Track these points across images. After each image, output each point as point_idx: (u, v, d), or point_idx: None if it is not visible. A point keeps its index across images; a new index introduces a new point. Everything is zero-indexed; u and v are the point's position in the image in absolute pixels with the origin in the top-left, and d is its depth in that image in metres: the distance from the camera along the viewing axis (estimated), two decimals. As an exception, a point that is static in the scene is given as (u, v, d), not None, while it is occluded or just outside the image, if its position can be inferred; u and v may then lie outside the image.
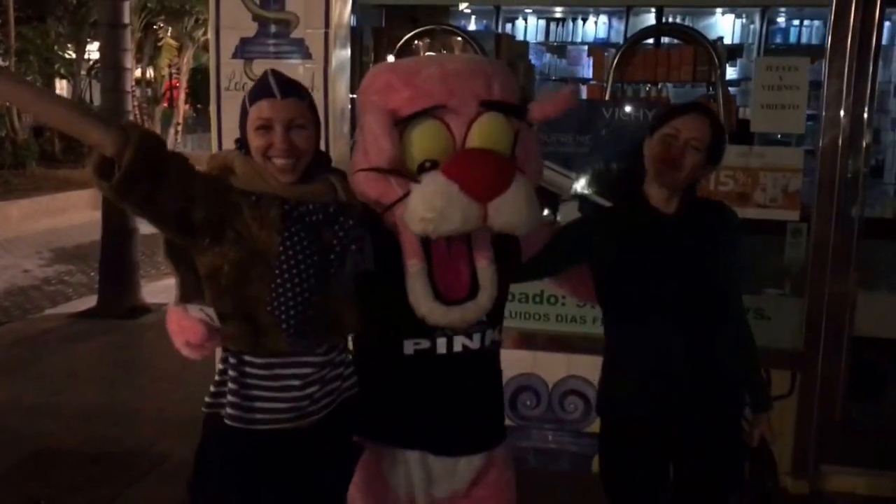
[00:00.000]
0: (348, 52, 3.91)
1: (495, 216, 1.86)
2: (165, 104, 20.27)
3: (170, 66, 19.18)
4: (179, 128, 19.35)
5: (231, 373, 1.94)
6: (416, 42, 4.56)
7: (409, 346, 2.06)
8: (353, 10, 3.90)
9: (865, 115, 3.51)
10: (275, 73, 1.95)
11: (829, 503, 3.82)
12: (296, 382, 1.95)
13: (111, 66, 6.93)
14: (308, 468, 2.00)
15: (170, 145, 18.68)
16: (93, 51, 21.75)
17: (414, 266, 1.94)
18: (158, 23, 17.05)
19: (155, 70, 18.62)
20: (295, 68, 3.86)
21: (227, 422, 1.93)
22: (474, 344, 2.09)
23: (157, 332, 6.63)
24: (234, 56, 3.91)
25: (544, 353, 3.96)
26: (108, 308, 7.20)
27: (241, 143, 1.97)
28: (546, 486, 3.77)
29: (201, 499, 2.04)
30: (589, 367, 3.96)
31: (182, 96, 19.44)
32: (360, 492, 2.16)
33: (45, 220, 12.96)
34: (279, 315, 1.85)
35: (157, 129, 18.20)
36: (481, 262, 1.98)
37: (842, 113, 3.54)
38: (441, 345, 2.05)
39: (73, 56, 18.52)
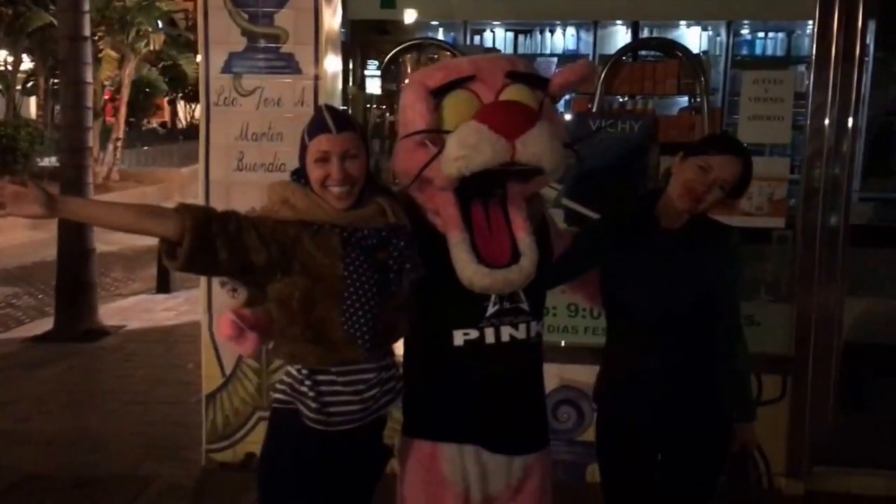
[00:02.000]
0: (339, 66, 4.05)
1: (522, 149, 2.06)
2: (110, 118, 20.00)
3: (107, 80, 18.95)
4: (119, 143, 19.11)
5: (307, 382, 2.17)
6: (401, 57, 4.71)
7: (458, 337, 2.22)
8: (343, 25, 4.03)
9: (850, 125, 3.76)
10: (328, 108, 2.20)
11: (824, 503, 4.04)
12: (361, 387, 2.19)
13: (71, 81, 6.93)
14: (360, 464, 2.26)
15: (108, 162, 18.56)
16: (27, 62, 21.54)
17: (456, 236, 2.14)
18: (98, 33, 16.87)
19: (94, 83, 18.38)
20: (285, 83, 3.99)
21: (308, 423, 2.16)
22: (520, 334, 2.25)
23: (120, 355, 6.70)
24: (224, 71, 4.02)
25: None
26: (65, 331, 7.17)
27: (300, 175, 2.21)
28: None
29: (272, 486, 2.24)
30: (581, 377, 4.15)
31: (123, 110, 19.20)
32: (418, 490, 2.30)
33: (-20, 242, 12.74)
34: (354, 332, 2.09)
35: (96, 146, 17.98)
36: (520, 233, 2.18)
37: (826, 122, 3.79)
38: (489, 334, 2.22)
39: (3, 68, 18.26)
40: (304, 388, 2.17)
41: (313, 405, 2.15)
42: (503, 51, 7.47)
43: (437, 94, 2.16)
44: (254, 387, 4.33)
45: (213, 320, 4.24)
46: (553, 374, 4.17)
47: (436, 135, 2.13)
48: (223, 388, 4.35)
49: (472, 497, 2.29)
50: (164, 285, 9.11)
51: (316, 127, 2.16)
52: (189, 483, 4.28)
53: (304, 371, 2.18)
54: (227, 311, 2.19)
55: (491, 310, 2.22)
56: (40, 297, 9.15)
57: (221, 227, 2.01)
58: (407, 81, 2.29)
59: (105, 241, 10.87)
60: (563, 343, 4.20)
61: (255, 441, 4.37)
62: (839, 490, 4.11)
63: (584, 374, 4.15)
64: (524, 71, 2.24)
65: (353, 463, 2.25)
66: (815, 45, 3.75)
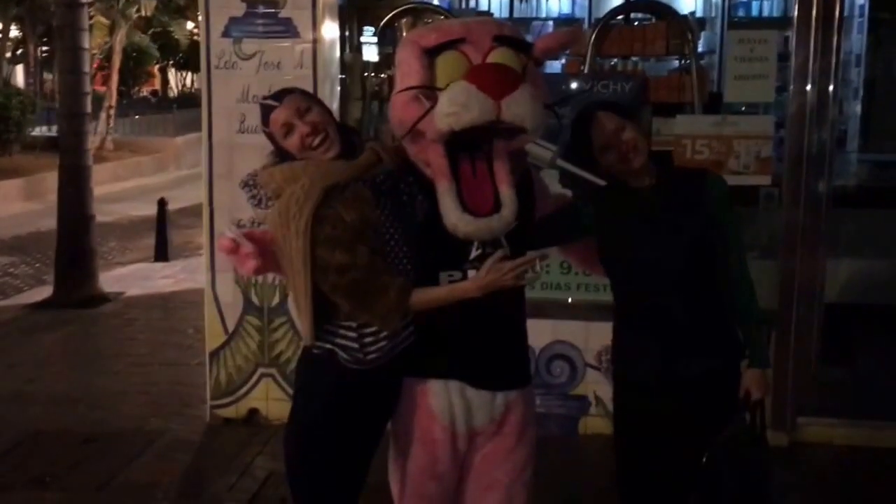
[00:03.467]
0: (336, 30, 4.27)
1: (506, 109, 2.29)
2: (102, 87, 20.11)
3: (96, 48, 19.05)
4: (112, 111, 19.26)
5: (351, 334, 2.36)
6: (397, 22, 4.92)
7: (443, 279, 2.45)
8: (339, -11, 4.26)
9: (831, 87, 3.99)
10: (263, 98, 2.43)
11: (808, 453, 4.29)
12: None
13: (69, 48, 7.14)
14: (393, 389, 2.49)
15: (101, 131, 18.69)
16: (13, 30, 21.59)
17: (444, 185, 2.36)
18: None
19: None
20: (284, 47, 4.21)
21: (349, 365, 2.37)
22: None
23: (121, 320, 6.97)
24: (224, 35, 4.24)
25: (530, 319, 4.31)
26: (65, 298, 7.41)
27: (283, 156, 2.38)
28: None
29: (313, 428, 2.45)
30: (574, 332, 4.39)
31: (115, 77, 19.33)
32: (409, 424, 2.53)
33: (-25, 213, 12.95)
34: (401, 270, 2.33)
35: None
36: (502, 185, 2.39)
37: (808, 85, 4.02)
38: (472, 276, 2.43)
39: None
40: (346, 336, 2.35)
41: (358, 354, 2.35)
42: (499, 14, 7.68)
43: (430, 54, 2.39)
44: (256, 344, 4.58)
45: (215, 279, 4.49)
46: (547, 330, 4.40)
47: (429, 91, 2.35)
48: (226, 346, 4.60)
49: (458, 430, 2.51)
50: (162, 253, 9.36)
51: (265, 115, 2.37)
52: (194, 438, 4.55)
53: (349, 323, 2.35)
54: (226, 230, 2.41)
55: (474, 254, 2.43)
56: (37, 266, 9.41)
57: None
58: (402, 41, 2.50)
59: (102, 212, 11.08)
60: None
61: (257, 397, 4.64)
62: (822, 441, 4.35)
63: (577, 330, 4.40)
64: (510, 35, 2.45)
65: (388, 390, 2.48)
66: (796, 7, 3.97)
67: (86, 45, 7.30)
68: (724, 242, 2.65)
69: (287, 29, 4.21)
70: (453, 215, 2.33)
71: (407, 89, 2.38)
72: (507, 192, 2.39)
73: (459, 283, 2.37)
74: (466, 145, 2.41)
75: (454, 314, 2.45)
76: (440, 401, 2.50)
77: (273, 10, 4.20)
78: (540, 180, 2.75)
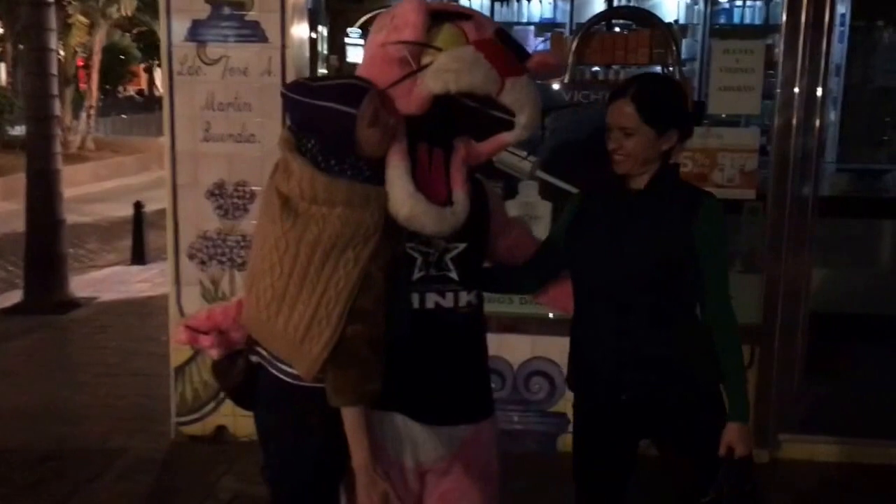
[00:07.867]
0: (306, 34, 4.02)
1: (509, 90, 2.08)
2: (83, 85, 19.82)
3: (79, 46, 18.72)
4: (92, 111, 18.94)
5: None
6: (370, 27, 4.68)
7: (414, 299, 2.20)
8: (309, -9, 4.02)
9: (819, 94, 3.82)
10: None
11: (789, 470, 4.14)
12: None
13: (35, 48, 6.90)
14: None
15: (82, 130, 18.39)
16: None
17: (398, 163, 2.10)
18: (68, -1, 16.68)
19: (65, 49, 18.21)
20: (251, 52, 3.97)
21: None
22: (447, 302, 2.22)
23: (92, 327, 6.69)
24: (187, 39, 3.99)
25: (508, 335, 4.14)
26: (35, 303, 7.16)
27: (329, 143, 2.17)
28: (512, 467, 3.89)
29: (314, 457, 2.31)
30: (553, 348, 4.18)
31: (95, 77, 18.99)
32: None
33: (-53, 213, 12.60)
34: None
35: (68, 114, 17.78)
36: (456, 187, 2.17)
37: (796, 92, 3.85)
38: (414, 299, 2.20)
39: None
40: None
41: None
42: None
43: (433, 17, 2.12)
44: (223, 360, 4.33)
45: (180, 293, 4.24)
46: (525, 346, 4.24)
47: (417, 54, 2.08)
48: (192, 361, 4.34)
49: (406, 464, 2.28)
50: (138, 257, 9.09)
51: (359, 94, 2.13)
52: (158, 456, 4.30)
53: None
54: (182, 322, 2.32)
55: (416, 275, 2.20)
56: (10, 269, 9.08)
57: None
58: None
59: (81, 213, 10.87)
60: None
61: (225, 414, 4.38)
62: (803, 457, 4.21)
63: (556, 346, 4.16)
64: (512, 37, 2.22)
65: None
66: (784, 14, 3.79)
67: (53, 45, 7.05)
68: (707, 268, 2.33)
69: (254, 33, 3.96)
70: (404, 192, 2.07)
71: (399, 43, 2.08)
72: (460, 195, 2.16)
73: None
74: (429, 136, 2.16)
75: (393, 339, 2.19)
76: (384, 432, 2.25)
77: (240, 13, 3.95)
78: (498, 202, 2.50)
